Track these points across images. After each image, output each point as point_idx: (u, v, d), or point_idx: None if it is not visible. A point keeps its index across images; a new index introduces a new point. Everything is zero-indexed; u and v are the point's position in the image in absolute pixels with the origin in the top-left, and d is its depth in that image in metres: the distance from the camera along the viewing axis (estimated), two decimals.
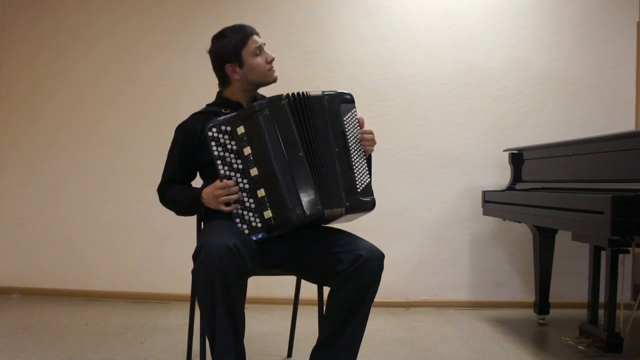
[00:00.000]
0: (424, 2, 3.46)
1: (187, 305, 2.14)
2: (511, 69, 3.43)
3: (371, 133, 1.86)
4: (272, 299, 3.35)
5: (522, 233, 3.30)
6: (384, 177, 3.33)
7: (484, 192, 3.14)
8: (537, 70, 3.42)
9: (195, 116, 1.95)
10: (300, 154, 1.72)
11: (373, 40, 3.47)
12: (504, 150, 3.15)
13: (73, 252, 3.59)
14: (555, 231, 2.86)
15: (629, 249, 2.19)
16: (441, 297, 3.40)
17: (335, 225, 1.88)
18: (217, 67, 1.92)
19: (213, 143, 1.71)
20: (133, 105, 3.58)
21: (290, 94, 1.75)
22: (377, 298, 1.73)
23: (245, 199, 1.72)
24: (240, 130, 1.71)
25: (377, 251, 1.69)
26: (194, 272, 1.56)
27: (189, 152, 1.91)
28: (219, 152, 1.72)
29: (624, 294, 2.99)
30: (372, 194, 1.81)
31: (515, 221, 2.91)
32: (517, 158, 3.06)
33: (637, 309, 2.62)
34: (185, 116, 1.97)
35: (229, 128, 1.72)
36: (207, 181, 1.88)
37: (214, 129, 1.71)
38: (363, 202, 1.79)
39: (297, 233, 1.78)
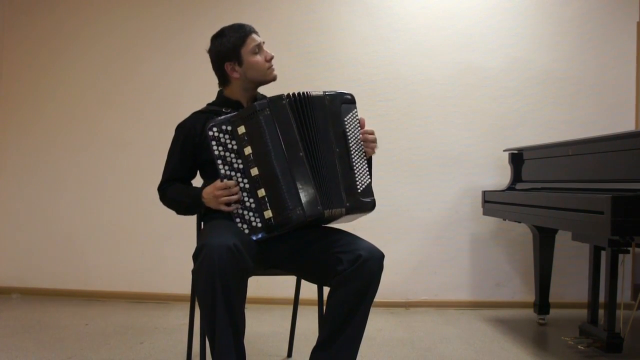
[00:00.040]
0: (424, 2, 3.46)
1: (187, 305, 2.14)
2: (511, 69, 3.43)
3: (373, 133, 1.86)
4: (272, 299, 3.35)
5: (522, 233, 3.30)
6: (384, 177, 3.33)
7: (484, 192, 3.14)
8: (537, 70, 3.42)
9: (195, 115, 1.94)
10: (301, 154, 1.72)
11: (373, 40, 3.47)
12: (504, 150, 3.15)
13: (73, 252, 3.59)
14: (555, 231, 2.86)
15: (629, 249, 2.19)
16: (441, 297, 3.40)
17: (335, 225, 1.88)
18: (216, 66, 1.92)
19: (214, 142, 1.71)
20: (133, 105, 3.58)
21: (291, 93, 1.75)
22: (377, 298, 1.72)
23: (246, 199, 1.72)
24: (241, 129, 1.71)
25: (377, 251, 1.69)
26: (194, 272, 1.56)
27: (189, 151, 1.91)
28: (219, 151, 1.71)
29: (624, 294, 2.99)
30: (373, 195, 1.81)
31: (515, 221, 2.91)
32: (517, 158, 3.06)
33: (637, 309, 2.62)
34: (185, 116, 1.97)
35: (229, 127, 1.72)
36: (207, 180, 1.88)
37: (215, 129, 1.71)
38: (363, 202, 1.79)
39: (297, 233, 1.78)
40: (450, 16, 3.45)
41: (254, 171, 1.70)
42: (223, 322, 1.53)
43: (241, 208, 1.73)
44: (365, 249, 1.67)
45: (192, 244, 1.68)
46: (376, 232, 3.09)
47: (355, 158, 1.80)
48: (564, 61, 3.42)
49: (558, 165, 2.67)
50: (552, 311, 2.95)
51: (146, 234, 3.52)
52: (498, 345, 2.55)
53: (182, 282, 3.02)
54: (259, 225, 1.71)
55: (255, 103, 1.74)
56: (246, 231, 1.72)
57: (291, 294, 2.27)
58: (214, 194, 1.72)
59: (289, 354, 2.36)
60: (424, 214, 3.43)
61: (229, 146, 1.72)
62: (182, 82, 3.53)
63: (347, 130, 1.80)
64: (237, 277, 1.54)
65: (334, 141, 1.77)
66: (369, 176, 1.84)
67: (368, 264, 1.64)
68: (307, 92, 1.76)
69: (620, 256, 2.21)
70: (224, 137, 1.72)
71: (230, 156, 1.72)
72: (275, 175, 1.69)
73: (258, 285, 3.17)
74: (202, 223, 1.96)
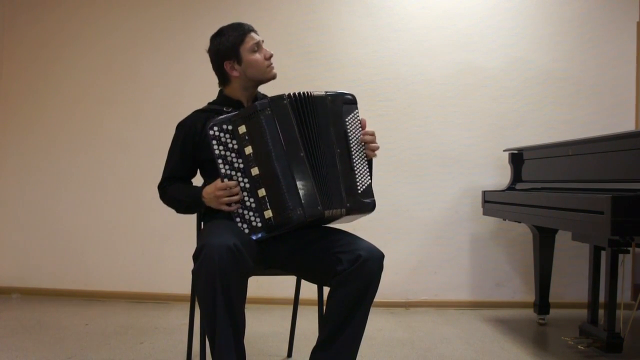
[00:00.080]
0: (424, 2, 3.46)
1: (187, 305, 2.14)
2: (511, 69, 3.43)
3: (373, 134, 1.85)
4: (272, 299, 3.35)
5: (522, 233, 3.30)
6: (384, 177, 3.33)
7: (484, 192, 3.14)
8: (537, 70, 3.42)
9: (196, 114, 1.94)
10: (302, 154, 1.72)
11: (373, 40, 3.47)
12: (504, 150, 3.15)
13: (73, 252, 3.59)
14: (555, 231, 2.86)
15: (629, 249, 2.20)
16: (441, 297, 3.40)
17: (335, 225, 1.88)
18: (216, 66, 1.92)
19: (214, 142, 1.71)
20: (133, 105, 3.58)
21: (292, 93, 1.74)
22: (377, 298, 1.72)
23: (246, 199, 1.72)
24: (242, 129, 1.71)
25: (377, 251, 1.69)
26: (194, 272, 1.56)
27: (190, 149, 1.91)
28: (220, 150, 1.71)
29: (624, 294, 2.99)
30: (373, 196, 1.81)
31: (515, 221, 2.91)
32: (517, 158, 3.06)
33: (637, 309, 2.62)
34: (185, 116, 1.97)
35: (230, 127, 1.72)
36: (207, 179, 1.88)
37: (215, 128, 1.71)
38: (363, 203, 1.78)
39: (297, 233, 1.78)
40: (450, 16, 3.45)
41: (255, 171, 1.70)
42: (223, 322, 1.53)
43: (241, 208, 1.72)
44: (365, 249, 1.67)
45: (192, 244, 1.68)
46: (376, 232, 3.10)
47: (356, 158, 1.80)
48: (564, 61, 3.42)
49: (558, 165, 2.67)
50: (552, 311, 2.95)
51: (146, 234, 3.52)
52: (498, 345, 2.55)
53: (182, 282, 3.02)
54: (259, 225, 1.71)
55: (256, 102, 1.74)
56: (246, 231, 1.72)
57: (291, 294, 2.27)
58: (214, 194, 1.72)
59: (289, 354, 2.36)
60: (424, 214, 3.43)
61: (230, 145, 1.71)
62: (182, 82, 3.53)
63: (348, 130, 1.80)
64: (238, 277, 1.54)
65: (335, 141, 1.77)
66: (369, 177, 1.84)
67: (368, 264, 1.64)
68: (308, 92, 1.76)
69: (620, 256, 2.22)
70: (224, 136, 1.71)
71: (230, 155, 1.72)
72: (276, 175, 1.69)
73: (258, 285, 3.17)
74: (202, 223, 1.96)
